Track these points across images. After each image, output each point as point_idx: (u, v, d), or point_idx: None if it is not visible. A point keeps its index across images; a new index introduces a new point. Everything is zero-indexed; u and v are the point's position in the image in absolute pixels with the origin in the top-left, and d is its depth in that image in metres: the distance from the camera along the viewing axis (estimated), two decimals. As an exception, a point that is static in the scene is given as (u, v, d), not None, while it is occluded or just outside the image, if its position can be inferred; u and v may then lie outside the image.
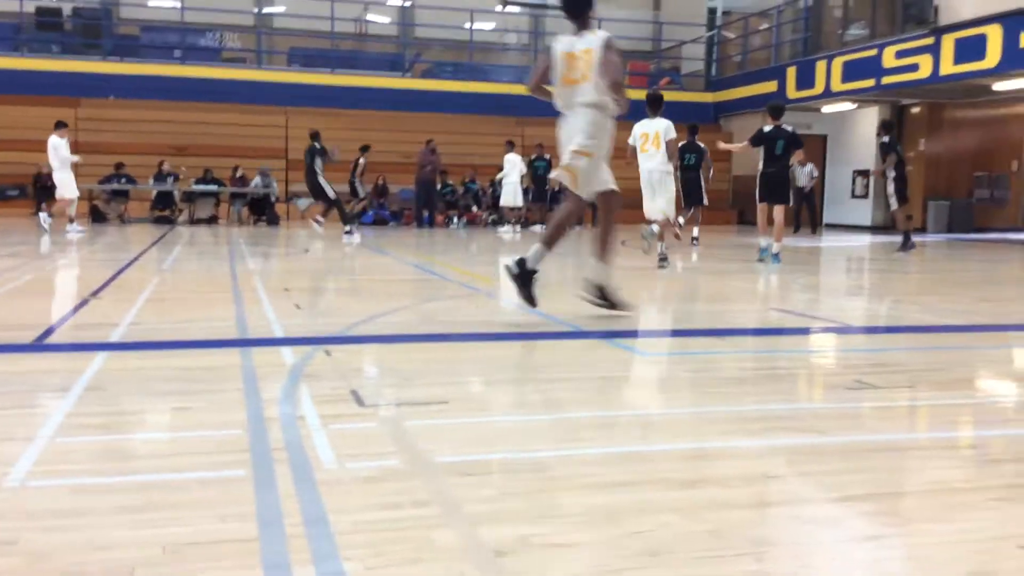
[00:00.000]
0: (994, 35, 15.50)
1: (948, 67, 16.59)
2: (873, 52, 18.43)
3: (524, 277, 5.81)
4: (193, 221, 19.30)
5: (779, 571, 2.04)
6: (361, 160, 18.62)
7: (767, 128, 11.17)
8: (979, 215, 20.65)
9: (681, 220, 14.13)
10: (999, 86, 17.16)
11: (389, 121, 21.84)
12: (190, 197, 19.52)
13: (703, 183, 14.74)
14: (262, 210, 19.89)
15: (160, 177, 19.22)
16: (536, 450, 2.99)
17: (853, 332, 6.06)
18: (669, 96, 24.68)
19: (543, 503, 2.44)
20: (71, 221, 15.44)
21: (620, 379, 4.19)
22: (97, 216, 18.92)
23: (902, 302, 7.66)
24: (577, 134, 5.94)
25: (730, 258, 12.49)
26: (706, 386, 4.16)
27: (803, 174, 19.57)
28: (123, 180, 19.27)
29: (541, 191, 20.23)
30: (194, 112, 20.28)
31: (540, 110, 24.93)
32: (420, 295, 7.81)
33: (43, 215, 15.17)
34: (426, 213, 19.74)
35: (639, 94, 24.78)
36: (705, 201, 14.92)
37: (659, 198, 10.22)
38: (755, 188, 11.48)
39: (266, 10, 25.72)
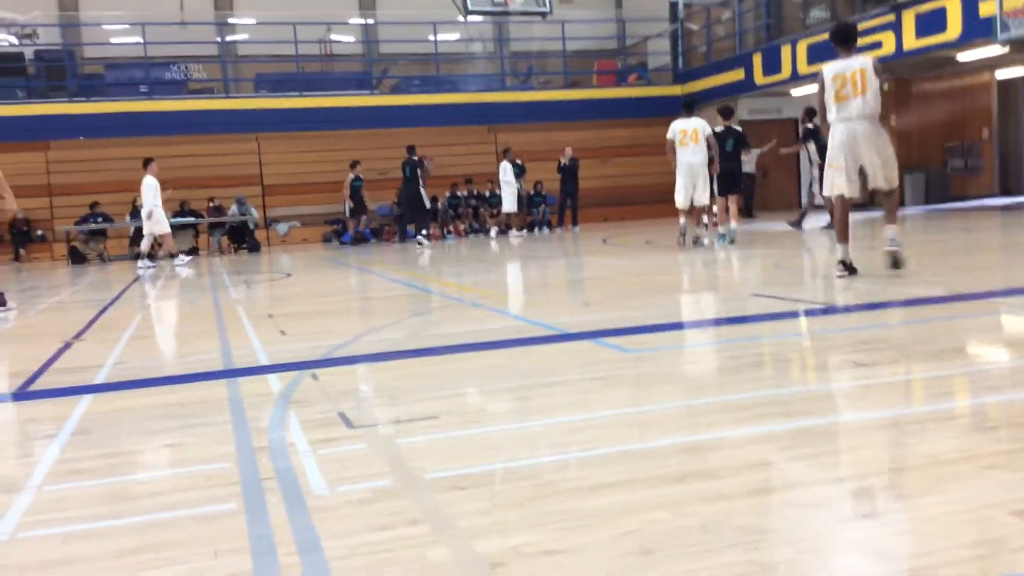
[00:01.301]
0: (953, 7, 15.62)
1: (911, 42, 16.71)
2: (836, 32, 18.54)
3: (852, 270, 7.34)
4: (173, 255, 19.21)
5: (775, 558, 2.04)
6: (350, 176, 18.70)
7: (719, 128, 12.34)
8: (955, 184, 20.79)
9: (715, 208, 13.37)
10: (963, 56, 17.30)
11: (361, 139, 21.84)
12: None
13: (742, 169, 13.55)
14: (242, 238, 19.84)
15: (136, 213, 19.12)
16: (527, 458, 2.99)
17: (837, 312, 6.08)
18: (637, 91, 24.96)
19: (535, 511, 2.43)
20: (174, 256, 15.87)
21: (608, 379, 4.19)
22: (76, 257, 18.83)
23: (882, 277, 7.68)
24: (885, 148, 7.22)
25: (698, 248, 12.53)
26: (694, 378, 4.17)
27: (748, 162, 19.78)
28: (100, 219, 19.19)
29: (516, 196, 20.28)
30: (165, 146, 20.19)
31: (511, 117, 25.13)
32: (405, 310, 7.79)
33: (143, 262, 15.09)
34: (410, 228, 19.72)
35: (610, 92, 24.82)
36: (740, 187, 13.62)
37: (699, 188, 11.66)
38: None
39: (229, 38, 25.67)
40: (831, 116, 7.27)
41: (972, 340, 4.78)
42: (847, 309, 6.19)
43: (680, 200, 11.74)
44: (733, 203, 12.41)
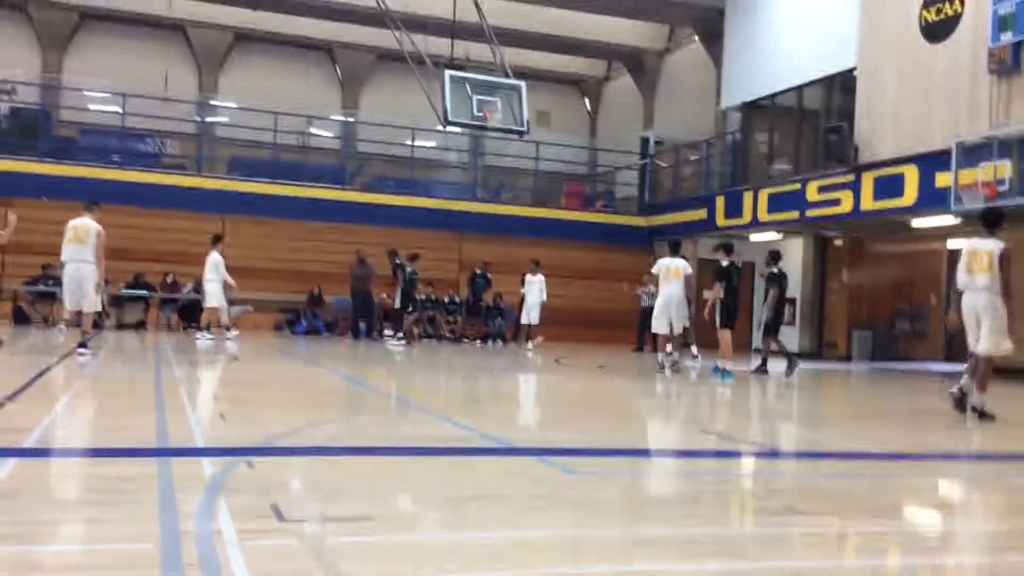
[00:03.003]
0: (911, 174, 16.31)
1: (868, 203, 17.34)
2: (797, 186, 19.21)
3: (984, 416, 7.90)
4: (120, 326, 18.89)
5: None
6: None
7: (724, 263, 12.62)
8: (902, 345, 21.28)
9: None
10: (917, 223, 17.95)
11: (328, 232, 21.93)
12: (118, 301, 19.15)
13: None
14: (193, 316, 19.57)
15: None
16: (459, 572, 2.92)
17: (780, 457, 6.12)
18: (603, 217, 25.46)
19: (464, 626, 2.37)
20: (227, 329, 16.09)
21: (549, 497, 4.15)
22: (20, 318, 18.42)
23: (828, 428, 7.79)
24: (996, 320, 7.85)
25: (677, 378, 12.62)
26: (635, 507, 4.14)
27: (645, 294, 19.21)
28: (50, 282, 18.85)
29: (476, 306, 20.36)
30: (128, 216, 20.07)
31: (478, 226, 25.37)
32: (349, 407, 7.69)
33: (202, 334, 15.74)
34: (362, 325, 19.64)
35: (576, 215, 25.26)
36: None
37: (674, 318, 12.79)
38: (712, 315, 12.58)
39: (209, 119, 25.94)
40: (960, 284, 8.32)
41: (911, 498, 4.83)
42: (790, 455, 6.23)
43: (657, 326, 13.06)
44: (728, 336, 12.55)
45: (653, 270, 13.53)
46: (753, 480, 5.28)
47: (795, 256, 21.84)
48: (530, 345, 18.85)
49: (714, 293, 12.58)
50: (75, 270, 10.83)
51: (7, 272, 19.81)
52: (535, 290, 18.85)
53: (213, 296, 16.02)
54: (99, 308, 12.11)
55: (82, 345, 10.51)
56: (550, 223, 24.20)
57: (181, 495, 3.71)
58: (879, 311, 21.47)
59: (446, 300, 21.16)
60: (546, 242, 22.77)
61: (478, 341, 20.13)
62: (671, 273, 12.96)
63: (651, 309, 19.23)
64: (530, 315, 18.87)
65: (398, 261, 18.35)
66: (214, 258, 16.08)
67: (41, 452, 4.67)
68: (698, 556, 3.24)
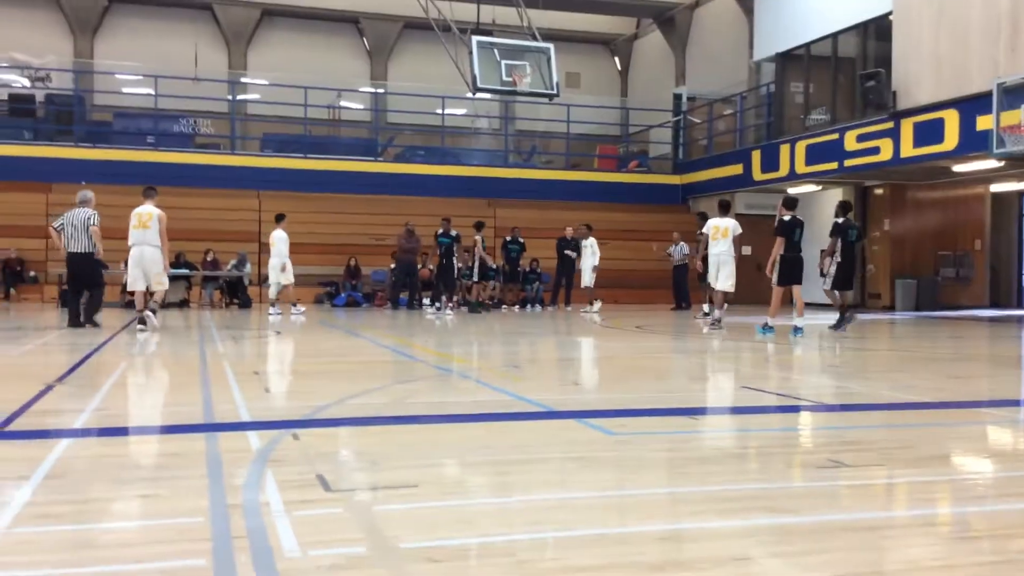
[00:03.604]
0: (951, 119, 15.97)
1: (908, 150, 17.03)
2: (835, 136, 18.91)
3: None
4: (164, 305, 19.15)
5: (750, 656, 2.00)
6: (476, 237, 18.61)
7: (786, 218, 12.26)
8: (946, 293, 20.95)
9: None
10: (959, 168, 17.61)
11: (362, 204, 22.01)
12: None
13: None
14: (235, 293, 19.81)
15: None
16: (505, 534, 2.94)
17: (824, 410, 6.07)
18: (637, 178, 25.29)
19: (511, 589, 2.39)
20: (294, 304, 16.68)
21: (591, 460, 4.16)
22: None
23: (872, 379, 7.70)
24: None
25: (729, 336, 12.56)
26: (678, 466, 4.13)
27: (677, 252, 19.67)
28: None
29: (514, 272, 20.32)
30: (167, 197, 20.25)
31: (511, 193, 25.35)
32: (391, 377, 7.75)
33: (287, 308, 16.45)
34: (403, 296, 19.72)
35: (610, 177, 25.21)
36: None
37: (722, 276, 13.44)
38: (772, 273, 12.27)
39: (240, 97, 26.05)
40: None
41: (959, 447, 4.77)
42: (832, 408, 6.18)
43: (710, 278, 13.79)
44: (799, 292, 12.25)
45: (704, 230, 14.04)
46: (797, 434, 5.25)
47: (833, 208, 21.54)
48: (594, 307, 18.65)
49: (775, 249, 12.30)
50: (140, 253, 11.80)
51: (51, 257, 20.16)
52: (588, 253, 18.73)
53: (289, 272, 16.71)
54: (166, 287, 12.80)
55: (142, 323, 11.53)
56: (583, 186, 24.07)
57: (229, 469, 3.77)
58: (922, 259, 21.13)
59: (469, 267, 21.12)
60: (580, 205, 22.67)
61: (516, 307, 20.14)
62: (720, 233, 13.56)
63: (683, 267, 19.36)
64: (584, 278, 18.76)
65: (453, 232, 18.43)
66: (279, 235, 16.61)
67: (91, 432, 4.76)
68: (744, 512, 3.23)
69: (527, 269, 20.83)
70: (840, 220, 13.17)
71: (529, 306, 20.29)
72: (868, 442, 4.81)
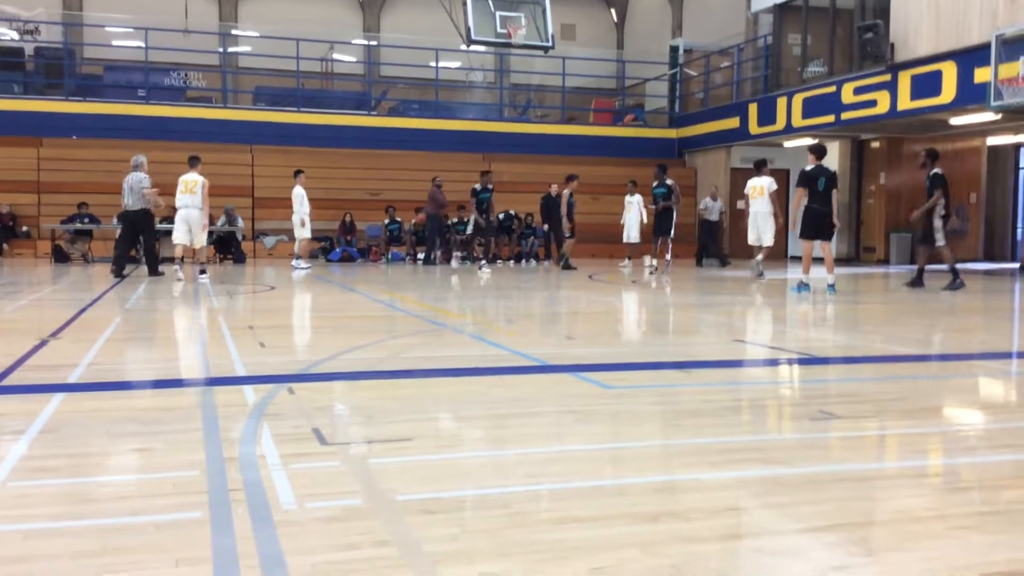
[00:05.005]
0: (949, 71, 15.85)
1: (905, 102, 16.92)
2: (832, 89, 18.77)
3: None
4: (160, 261, 19.07)
5: (743, 604, 2.02)
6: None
7: (809, 167, 11.64)
8: (940, 246, 20.93)
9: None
10: (956, 120, 17.52)
11: (356, 159, 21.87)
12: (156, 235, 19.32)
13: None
14: (228, 248, 19.75)
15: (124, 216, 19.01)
16: (499, 486, 2.96)
17: (816, 363, 6.09)
18: (633, 132, 25.11)
19: (504, 540, 2.41)
20: (298, 258, 16.89)
21: (587, 413, 4.18)
22: (60, 256, 18.69)
23: (865, 333, 7.73)
24: None
25: (725, 290, 12.57)
26: (671, 419, 4.15)
27: (715, 209, 19.92)
28: (86, 220, 19.06)
29: (489, 223, 19.59)
30: (159, 151, 20.15)
31: (506, 147, 25.11)
32: (385, 331, 7.76)
33: (298, 262, 16.66)
34: (396, 251, 19.69)
35: (606, 131, 24.99)
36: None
37: (763, 232, 14.45)
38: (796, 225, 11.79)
39: (231, 49, 25.74)
40: None
41: (952, 400, 4.80)
42: (826, 361, 6.21)
43: (751, 239, 14.72)
44: (828, 248, 11.75)
45: (745, 191, 14.95)
46: (790, 387, 5.27)
47: (831, 160, 21.44)
48: (649, 263, 18.34)
49: (795, 200, 12.01)
50: (186, 214, 13.92)
51: (43, 212, 20.06)
52: (635, 209, 18.54)
53: (307, 227, 17.06)
54: (205, 243, 14.68)
55: (201, 271, 13.74)
56: (579, 140, 23.92)
57: (224, 423, 3.78)
58: (917, 213, 21.06)
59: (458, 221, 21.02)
60: (575, 159, 22.54)
61: (511, 261, 20.11)
62: (756, 191, 14.50)
63: (714, 223, 19.46)
64: (630, 235, 18.60)
65: (490, 185, 18.28)
66: (298, 191, 16.89)
67: (86, 387, 4.77)
68: (737, 464, 3.25)
69: (522, 223, 20.80)
70: (937, 170, 12.33)
71: (524, 261, 20.27)
72: (860, 394, 4.83)
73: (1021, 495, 2.97)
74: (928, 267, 12.95)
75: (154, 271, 14.28)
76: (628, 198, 18.75)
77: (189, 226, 13.88)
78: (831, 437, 3.77)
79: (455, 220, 20.52)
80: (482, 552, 2.31)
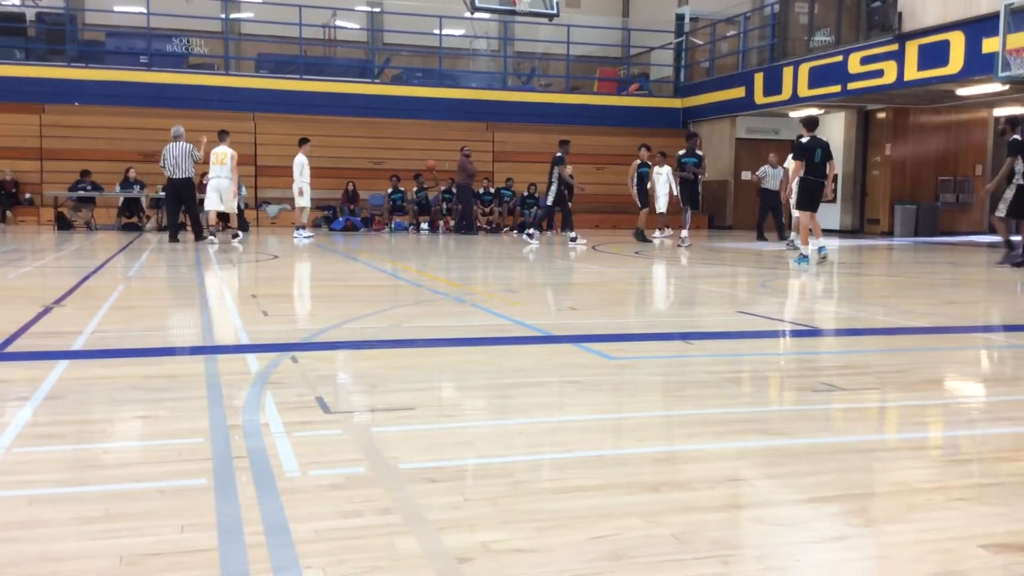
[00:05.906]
0: (956, 42, 15.72)
1: (912, 73, 16.80)
2: (839, 58, 18.63)
3: None
4: (161, 228, 19.09)
5: (743, 573, 2.03)
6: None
7: (804, 139, 11.63)
8: (945, 218, 20.90)
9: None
10: (962, 91, 17.41)
11: (359, 127, 21.78)
12: (157, 203, 19.30)
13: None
14: (225, 216, 19.68)
15: (127, 184, 19.01)
16: (502, 455, 2.98)
17: (819, 335, 6.10)
18: (637, 101, 24.95)
19: (507, 508, 2.43)
20: (302, 227, 16.50)
21: (589, 383, 4.19)
22: (63, 223, 18.69)
23: (868, 304, 7.72)
24: None
25: (722, 261, 12.55)
26: (673, 389, 4.17)
27: (776, 176, 17.89)
28: (89, 187, 19.04)
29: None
30: (161, 118, 20.08)
31: (510, 116, 24.97)
32: (389, 301, 7.77)
33: (299, 232, 16.31)
34: (397, 221, 19.67)
35: (610, 100, 24.82)
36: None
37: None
38: (791, 196, 11.95)
39: (234, 16, 25.54)
40: None
41: (953, 372, 4.80)
42: (829, 333, 6.21)
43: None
44: (814, 221, 11.74)
45: (785, 164, 14.86)
46: (792, 359, 5.28)
47: (836, 131, 21.35)
48: (658, 234, 18.24)
49: (793, 171, 11.98)
50: (217, 183, 15.15)
51: (46, 179, 20.03)
52: (664, 180, 18.32)
53: (306, 195, 16.85)
54: (235, 211, 16.06)
55: (234, 236, 15.11)
56: (583, 109, 23.78)
57: (228, 391, 3.80)
58: (922, 185, 21.03)
59: (480, 192, 21.02)
60: (580, 129, 22.42)
61: (515, 231, 20.08)
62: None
63: (773, 192, 18.20)
64: (659, 204, 18.48)
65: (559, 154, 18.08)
66: (299, 160, 16.81)
67: (90, 354, 4.79)
68: (738, 435, 3.27)
69: (524, 194, 20.76)
70: (1018, 136, 11.94)
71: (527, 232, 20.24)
72: (862, 366, 4.84)
73: (1021, 467, 2.98)
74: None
75: (199, 236, 15.22)
76: (657, 169, 18.39)
77: (220, 194, 15.10)
78: (832, 408, 3.79)
79: (481, 190, 20.55)
80: (484, 520, 2.33)
